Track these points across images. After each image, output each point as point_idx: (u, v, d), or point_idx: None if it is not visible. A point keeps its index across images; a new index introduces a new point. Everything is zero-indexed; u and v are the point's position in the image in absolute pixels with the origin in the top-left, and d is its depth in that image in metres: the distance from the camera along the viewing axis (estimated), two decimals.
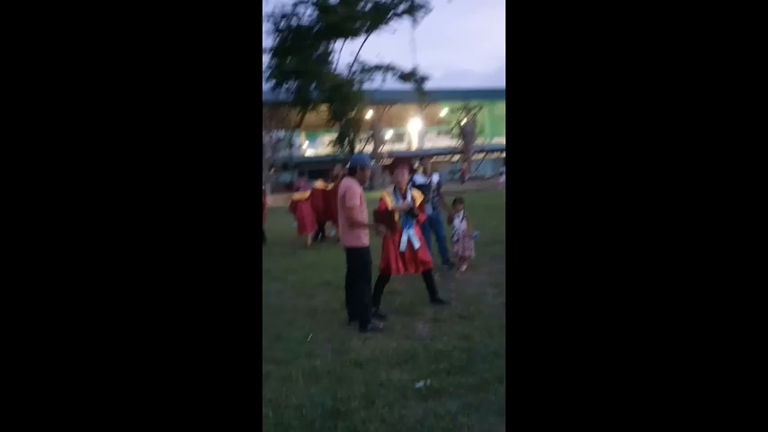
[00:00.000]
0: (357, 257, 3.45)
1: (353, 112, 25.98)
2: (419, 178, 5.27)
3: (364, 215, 3.46)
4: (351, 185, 3.41)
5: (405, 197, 3.83)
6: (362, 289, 3.45)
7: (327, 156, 29.95)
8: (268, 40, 24.44)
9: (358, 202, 3.36)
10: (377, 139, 27.64)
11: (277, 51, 25.32)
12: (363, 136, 28.81)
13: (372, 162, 4.49)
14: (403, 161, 4.09)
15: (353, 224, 3.36)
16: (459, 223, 5.26)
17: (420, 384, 2.43)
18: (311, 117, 31.01)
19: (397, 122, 41.98)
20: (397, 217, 3.65)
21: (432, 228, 5.34)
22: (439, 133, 41.33)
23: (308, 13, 24.26)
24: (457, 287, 4.46)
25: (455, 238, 5.23)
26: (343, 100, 24.29)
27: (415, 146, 40.39)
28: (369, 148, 28.61)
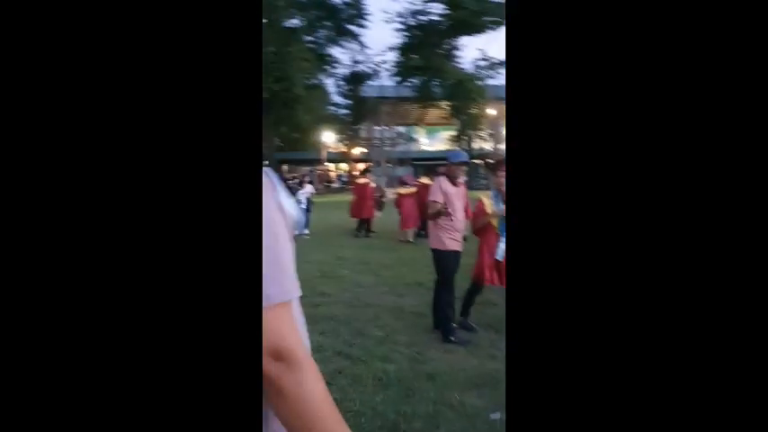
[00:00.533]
0: (439, 261, 3.23)
1: (474, 109, 25.28)
2: None
3: (456, 216, 3.21)
4: (436, 181, 3.21)
5: (506, 201, 3.48)
6: (443, 296, 3.22)
7: (444, 151, 29.72)
8: (397, 38, 24.92)
9: (435, 198, 3.12)
10: (497, 137, 26.52)
11: (404, 48, 25.74)
12: (483, 133, 27.92)
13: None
14: None
15: (431, 220, 3.14)
16: None
17: (495, 416, 2.14)
18: (432, 113, 31.06)
19: None
20: (495, 222, 3.33)
21: None
22: None
23: (437, 10, 24.15)
24: None
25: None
26: (464, 96, 23.71)
27: None
28: (488, 146, 27.63)
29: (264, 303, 0.67)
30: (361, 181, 9.43)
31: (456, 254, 3.28)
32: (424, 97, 25.89)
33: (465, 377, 2.59)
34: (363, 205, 9.10)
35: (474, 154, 27.78)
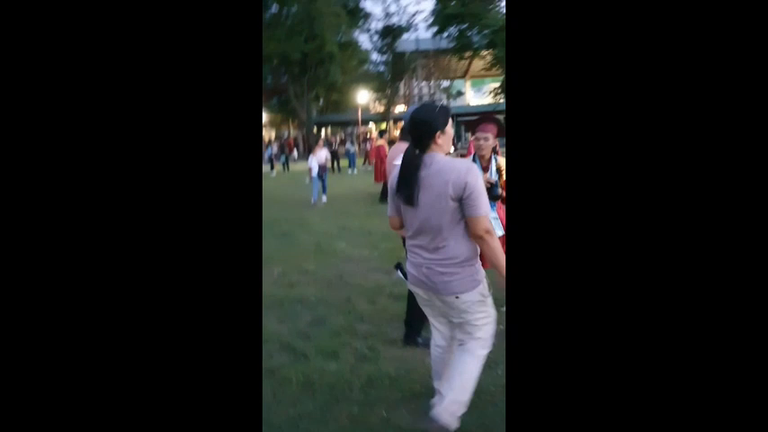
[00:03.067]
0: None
1: None
2: None
3: None
4: (397, 147, 2.47)
5: (487, 169, 2.86)
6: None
7: (490, 105, 28.07)
8: None
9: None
10: None
11: None
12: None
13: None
14: (489, 119, 2.95)
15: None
16: None
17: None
18: (477, 64, 29.13)
19: None
20: None
21: None
22: None
23: None
24: None
25: None
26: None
27: None
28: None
29: (479, 213, 1.52)
30: (378, 143, 8.94)
31: None
32: (465, 48, 24.20)
33: (408, 385, 2.19)
34: (383, 168, 8.69)
35: None
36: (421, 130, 1.57)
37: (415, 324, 2.60)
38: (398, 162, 1.66)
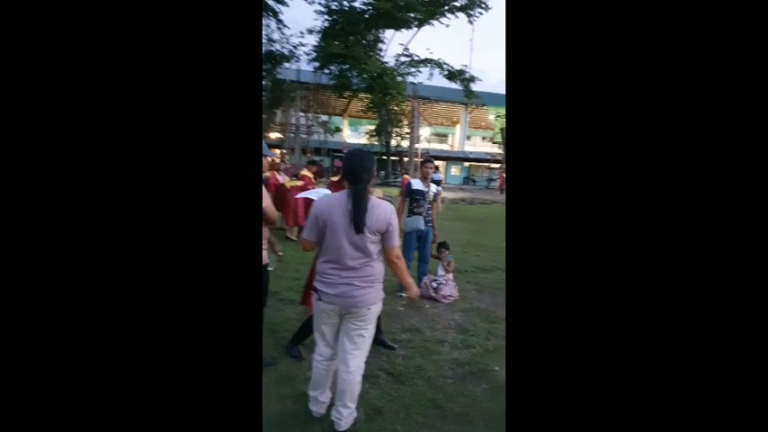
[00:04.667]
0: None
1: (393, 105, 25.08)
2: (415, 183, 4.40)
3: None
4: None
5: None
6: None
7: (364, 145, 29.33)
8: (317, 21, 23.89)
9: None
10: (413, 135, 26.62)
11: (324, 33, 24.73)
12: (402, 130, 27.91)
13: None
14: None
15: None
16: (443, 274, 4.41)
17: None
18: (357, 105, 30.37)
19: (443, 122, 40.88)
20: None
21: (419, 246, 4.47)
22: (484, 138, 39.91)
23: None
24: (419, 324, 3.59)
25: (434, 284, 4.35)
26: (383, 89, 23.38)
27: (457, 147, 39.20)
28: (405, 143, 27.69)
29: (394, 244, 1.96)
30: (291, 184, 8.52)
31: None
32: (343, 87, 25.18)
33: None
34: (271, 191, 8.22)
35: (392, 150, 27.74)
36: (361, 172, 1.92)
37: (297, 338, 2.88)
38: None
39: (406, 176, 3.07)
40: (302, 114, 27.34)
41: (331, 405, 2.17)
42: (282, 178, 7.52)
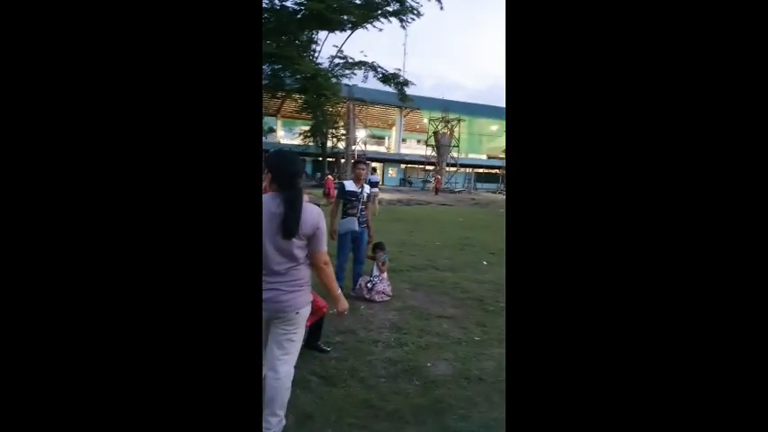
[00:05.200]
0: None
1: (328, 106, 24.90)
2: (349, 185, 4.36)
3: None
4: None
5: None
6: None
7: (299, 146, 28.82)
8: None
9: None
10: (349, 136, 26.63)
11: None
12: (338, 131, 27.78)
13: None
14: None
15: None
16: (377, 273, 4.43)
17: None
18: (290, 105, 29.71)
19: (378, 124, 41.26)
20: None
21: (354, 247, 4.45)
22: (419, 141, 40.83)
23: None
24: (354, 325, 3.57)
25: (368, 285, 4.36)
26: (317, 90, 23.13)
27: (393, 149, 39.73)
28: (341, 145, 27.60)
29: (322, 249, 1.92)
30: None
31: None
32: (275, 87, 24.61)
33: None
34: None
35: (328, 152, 27.51)
36: (290, 174, 1.86)
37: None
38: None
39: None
40: None
41: None
42: None
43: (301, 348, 2.98)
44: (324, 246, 1.94)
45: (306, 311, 1.98)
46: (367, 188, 4.50)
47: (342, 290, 4.61)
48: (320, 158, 28.06)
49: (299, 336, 2.00)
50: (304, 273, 1.94)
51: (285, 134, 37.47)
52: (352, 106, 25.88)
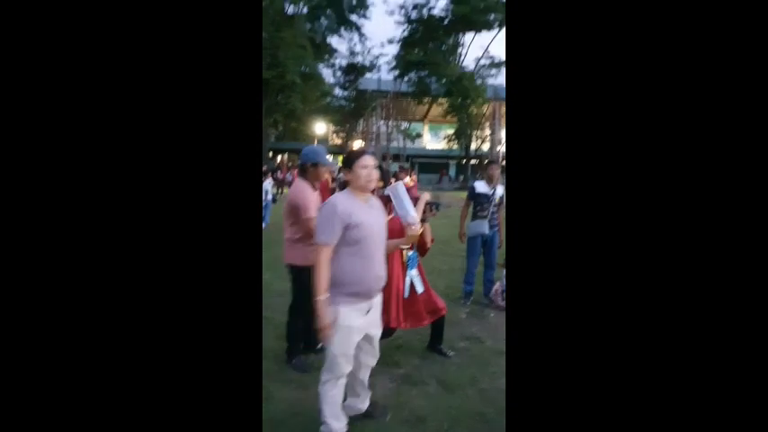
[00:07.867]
0: (297, 279, 2.70)
1: (473, 108, 24.59)
2: (481, 186, 4.27)
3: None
4: (302, 190, 2.59)
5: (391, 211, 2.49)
6: (296, 319, 2.75)
7: (443, 150, 29.10)
8: (398, 31, 24.35)
9: (314, 213, 2.48)
10: (494, 138, 25.83)
11: (405, 42, 25.05)
12: (482, 133, 27.24)
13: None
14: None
15: (310, 239, 2.43)
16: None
17: None
18: (437, 110, 30.29)
19: None
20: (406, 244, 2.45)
21: (484, 251, 4.33)
22: None
23: (440, 5, 23.44)
24: (480, 332, 3.46)
25: (503, 292, 4.15)
26: (463, 94, 23.04)
27: None
28: (486, 147, 26.97)
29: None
30: None
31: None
32: (423, 93, 25.29)
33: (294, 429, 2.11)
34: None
35: (472, 154, 27.19)
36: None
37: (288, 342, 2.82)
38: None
39: (407, 181, 2.68)
40: (382, 122, 27.92)
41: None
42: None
43: (424, 350, 3.02)
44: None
45: None
46: (500, 189, 4.30)
47: (472, 295, 4.45)
48: (463, 161, 27.85)
49: None
50: None
51: (431, 138, 38.22)
52: (497, 106, 25.08)
